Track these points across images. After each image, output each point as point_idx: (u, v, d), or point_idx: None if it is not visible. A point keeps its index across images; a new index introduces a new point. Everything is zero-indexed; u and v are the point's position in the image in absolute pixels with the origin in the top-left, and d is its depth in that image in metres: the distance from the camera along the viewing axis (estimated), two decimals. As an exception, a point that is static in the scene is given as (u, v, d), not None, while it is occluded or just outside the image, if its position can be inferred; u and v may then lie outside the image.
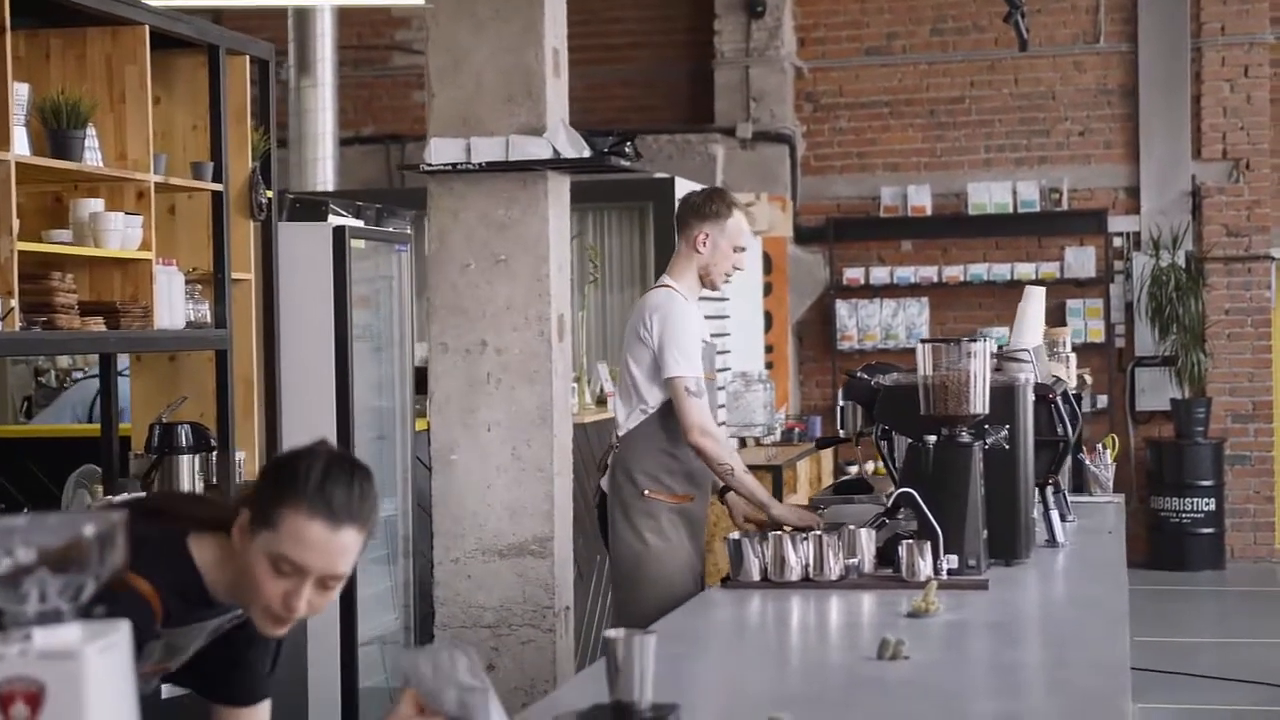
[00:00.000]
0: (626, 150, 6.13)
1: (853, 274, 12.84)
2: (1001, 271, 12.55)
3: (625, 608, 5.23)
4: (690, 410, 5.08)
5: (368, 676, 6.46)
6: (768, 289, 12.29)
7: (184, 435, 5.39)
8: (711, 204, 5.33)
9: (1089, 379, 8.81)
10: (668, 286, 5.31)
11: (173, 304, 5.23)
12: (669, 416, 5.19)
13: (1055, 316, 12.24)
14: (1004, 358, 5.11)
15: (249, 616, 2.73)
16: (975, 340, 4.39)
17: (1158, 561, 12.19)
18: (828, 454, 11.06)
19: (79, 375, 8.36)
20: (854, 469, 12.03)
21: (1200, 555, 12.15)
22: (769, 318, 12.33)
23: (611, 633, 2.73)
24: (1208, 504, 12.14)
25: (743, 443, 10.28)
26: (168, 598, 2.61)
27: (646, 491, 5.20)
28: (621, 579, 5.29)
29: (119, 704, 1.75)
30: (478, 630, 5.68)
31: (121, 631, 1.78)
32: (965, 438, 4.37)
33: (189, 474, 5.38)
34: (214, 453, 5.53)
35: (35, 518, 1.75)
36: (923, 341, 4.43)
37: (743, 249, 5.37)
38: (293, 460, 2.61)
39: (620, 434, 5.32)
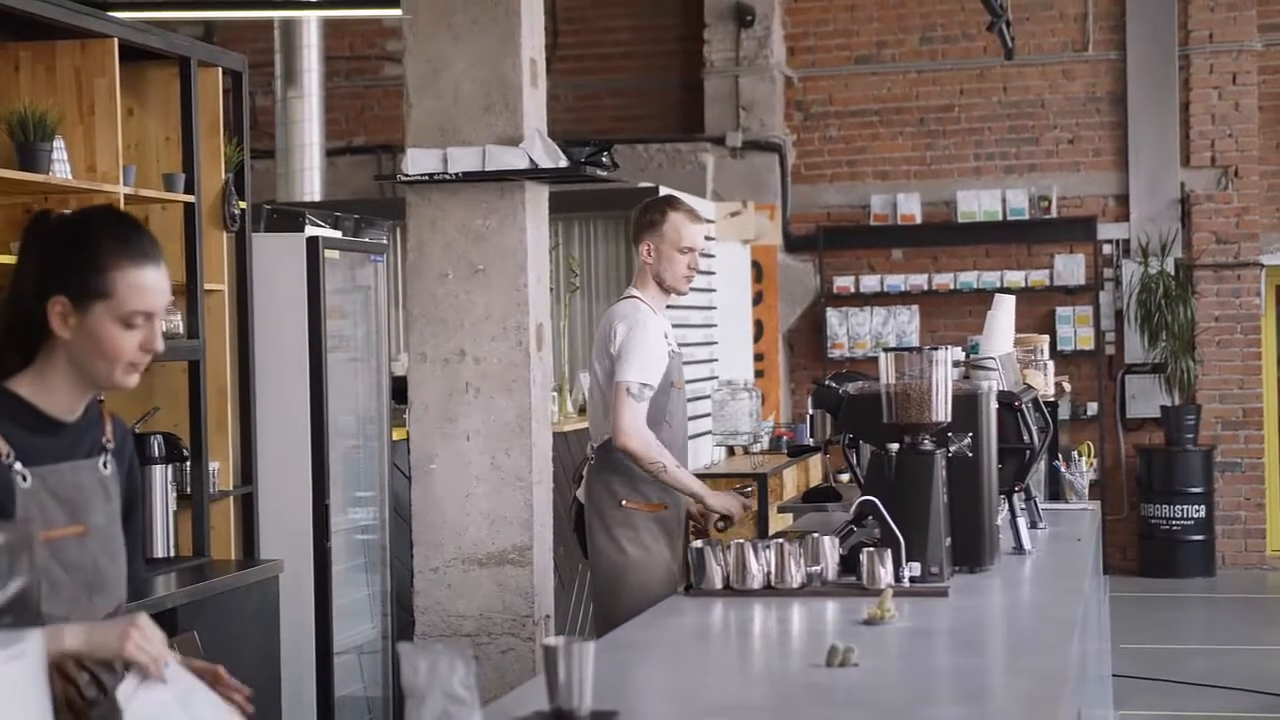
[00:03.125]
0: (603, 160, 6.15)
1: (843, 282, 12.86)
2: (991, 279, 12.56)
3: (607, 618, 5.26)
4: (623, 412, 5.19)
5: (344, 686, 6.47)
6: (758, 297, 12.31)
7: (157, 446, 5.41)
8: (646, 214, 5.45)
9: (1067, 386, 8.82)
10: (633, 297, 5.41)
11: (144, 315, 5.24)
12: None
13: (1044, 324, 12.26)
14: (971, 366, 5.13)
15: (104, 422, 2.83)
16: (937, 349, 4.40)
17: (1148, 569, 12.20)
18: (816, 461, 11.07)
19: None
20: (845, 477, 12.03)
21: (1190, 562, 12.15)
22: (759, 326, 12.35)
23: (550, 641, 2.75)
24: (1198, 511, 12.14)
25: (730, 451, 10.31)
26: (3, 429, 2.65)
27: (624, 502, 5.29)
28: (602, 589, 5.34)
29: (30, 710, 1.77)
30: (457, 640, 5.70)
31: (30, 642, 1.80)
32: (927, 445, 4.38)
33: (161, 485, 5.39)
34: (187, 463, 5.55)
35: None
36: (885, 350, 4.45)
37: (689, 249, 5.41)
38: (82, 231, 2.72)
39: (595, 445, 5.39)
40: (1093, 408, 12.45)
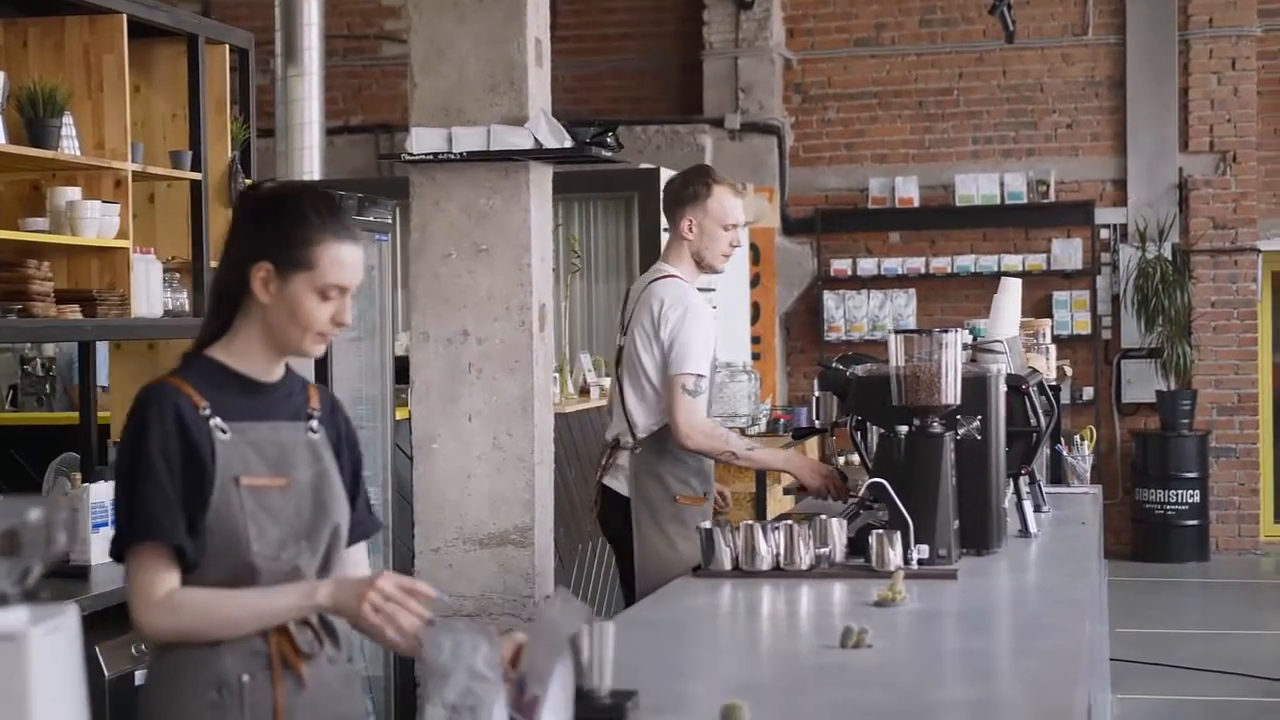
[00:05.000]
0: (608, 141, 6.13)
1: (840, 265, 12.86)
2: (989, 263, 12.57)
3: None
4: (679, 411, 4.96)
5: (346, 664, 6.46)
6: (755, 280, 12.31)
7: (162, 424, 5.39)
8: (689, 186, 5.18)
9: (1069, 370, 8.84)
10: (673, 276, 5.15)
11: (150, 292, 5.24)
12: None
13: (1042, 308, 12.27)
14: (978, 349, 5.13)
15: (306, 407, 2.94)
16: (947, 331, 4.40)
17: (1142, 553, 12.23)
18: (814, 444, 11.08)
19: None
20: (842, 459, 12.05)
21: (1185, 547, 12.19)
22: (756, 309, 12.35)
23: (571, 620, 2.75)
24: (1193, 496, 12.18)
25: (728, 433, 10.31)
26: (199, 387, 2.82)
27: (678, 497, 5.09)
28: (650, 582, 5.14)
29: (65, 686, 1.77)
30: (458, 620, 5.69)
31: (67, 616, 1.80)
32: (937, 428, 4.38)
33: (167, 462, 5.38)
34: (192, 441, 5.53)
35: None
36: (895, 332, 4.44)
37: (733, 225, 5.17)
38: (289, 209, 2.85)
39: (639, 435, 5.15)
40: (1089, 392, 12.47)
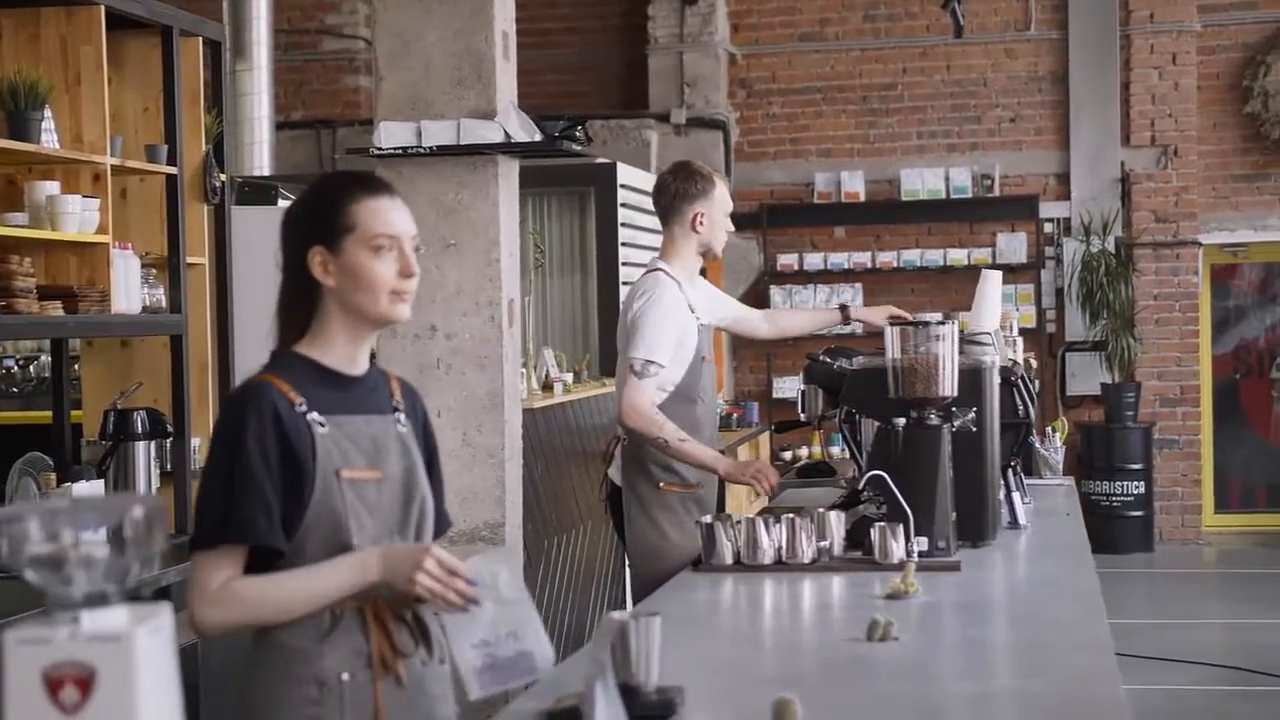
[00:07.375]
0: (577, 135, 6.11)
1: (787, 260, 12.88)
2: (934, 257, 12.63)
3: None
4: (624, 390, 5.07)
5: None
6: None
7: (139, 421, 5.32)
8: (696, 183, 5.29)
9: (1034, 362, 8.87)
10: (657, 270, 5.26)
11: (129, 288, 5.17)
12: (675, 403, 5.12)
13: (988, 302, 12.32)
14: (966, 341, 5.13)
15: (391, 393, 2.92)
16: (944, 323, 4.40)
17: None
18: (765, 439, 11.11)
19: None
20: (788, 454, 12.07)
21: (1130, 538, 12.29)
22: (703, 303, 12.33)
23: (618, 615, 2.72)
24: (1137, 487, 12.29)
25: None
26: (293, 382, 2.80)
27: (661, 484, 5.15)
28: (643, 573, 5.15)
29: (167, 685, 1.74)
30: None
31: (164, 614, 1.76)
32: (934, 420, 4.38)
33: (144, 460, 5.31)
34: (169, 439, 5.46)
35: (80, 500, 1.72)
36: (891, 324, 4.44)
37: (729, 211, 5.40)
38: (319, 190, 2.89)
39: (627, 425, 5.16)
40: (1034, 385, 12.53)
